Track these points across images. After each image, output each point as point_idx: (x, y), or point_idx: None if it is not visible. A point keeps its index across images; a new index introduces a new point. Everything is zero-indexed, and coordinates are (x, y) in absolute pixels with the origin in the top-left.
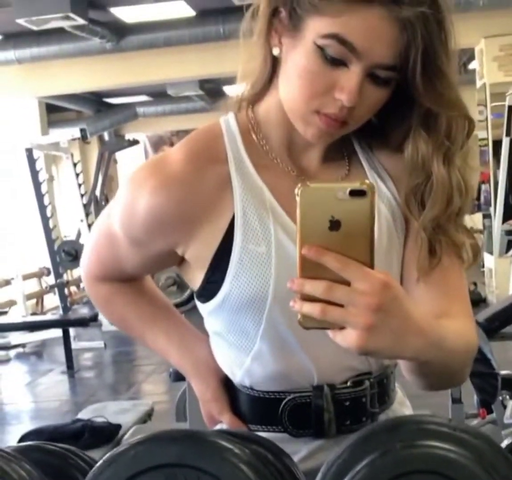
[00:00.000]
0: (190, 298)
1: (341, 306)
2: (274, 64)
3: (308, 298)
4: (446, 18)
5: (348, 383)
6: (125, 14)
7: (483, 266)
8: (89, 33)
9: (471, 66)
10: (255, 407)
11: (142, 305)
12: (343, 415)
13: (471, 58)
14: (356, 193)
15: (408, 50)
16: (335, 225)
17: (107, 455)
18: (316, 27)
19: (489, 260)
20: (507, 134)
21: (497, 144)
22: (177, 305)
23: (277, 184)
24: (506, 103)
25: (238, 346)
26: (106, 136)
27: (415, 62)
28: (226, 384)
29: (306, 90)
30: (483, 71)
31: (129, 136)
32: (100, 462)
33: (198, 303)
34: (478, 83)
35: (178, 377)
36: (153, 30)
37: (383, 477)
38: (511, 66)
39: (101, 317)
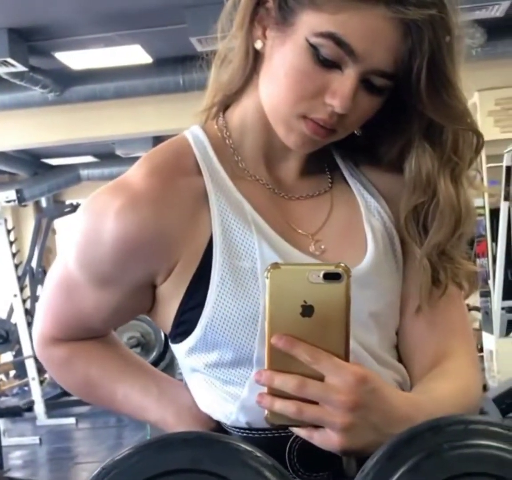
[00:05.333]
0: (158, 360)
1: (316, 402)
2: (255, 60)
3: (278, 393)
4: (455, 22)
5: None
6: (71, 60)
7: (481, 350)
8: (29, 81)
9: None
10: None
11: (109, 359)
12: None
13: None
14: (330, 277)
15: (412, 57)
16: (307, 310)
17: (107, 461)
18: (310, 23)
19: (488, 342)
20: (506, 199)
21: (494, 213)
22: None
23: (255, 196)
24: (504, 163)
25: (230, 380)
26: (43, 202)
27: (419, 70)
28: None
29: (293, 92)
30: None
31: (70, 201)
32: (98, 469)
33: (174, 346)
34: None
35: None
36: (103, 79)
37: None
38: (508, 121)
39: (37, 407)
